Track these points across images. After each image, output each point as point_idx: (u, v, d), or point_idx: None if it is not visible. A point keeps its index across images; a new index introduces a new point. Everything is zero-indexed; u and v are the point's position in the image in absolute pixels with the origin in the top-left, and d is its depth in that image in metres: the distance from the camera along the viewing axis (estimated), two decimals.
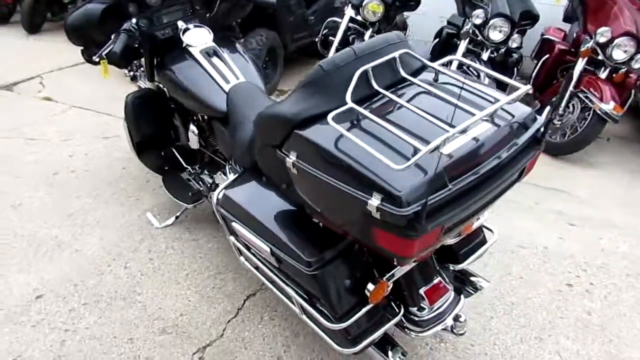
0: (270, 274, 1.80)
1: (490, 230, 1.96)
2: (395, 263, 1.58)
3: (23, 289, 2.19)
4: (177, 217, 2.68)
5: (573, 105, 3.76)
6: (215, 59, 2.27)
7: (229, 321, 2.12)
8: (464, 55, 4.01)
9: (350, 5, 4.14)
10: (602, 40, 3.55)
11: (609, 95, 3.45)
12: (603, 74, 3.62)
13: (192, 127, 2.43)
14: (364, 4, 4.02)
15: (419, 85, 1.47)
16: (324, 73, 1.44)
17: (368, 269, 1.64)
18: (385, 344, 1.77)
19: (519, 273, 2.51)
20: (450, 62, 1.68)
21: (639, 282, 2.49)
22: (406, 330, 1.76)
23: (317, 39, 4.62)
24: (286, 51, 4.68)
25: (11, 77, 4.32)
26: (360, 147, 1.24)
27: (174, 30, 2.33)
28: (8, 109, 3.85)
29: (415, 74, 1.54)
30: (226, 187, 1.89)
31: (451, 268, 1.90)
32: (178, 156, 2.66)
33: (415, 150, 1.19)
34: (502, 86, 3.25)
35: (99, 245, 2.49)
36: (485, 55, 4.05)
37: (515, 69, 4.20)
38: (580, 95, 3.65)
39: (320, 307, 1.62)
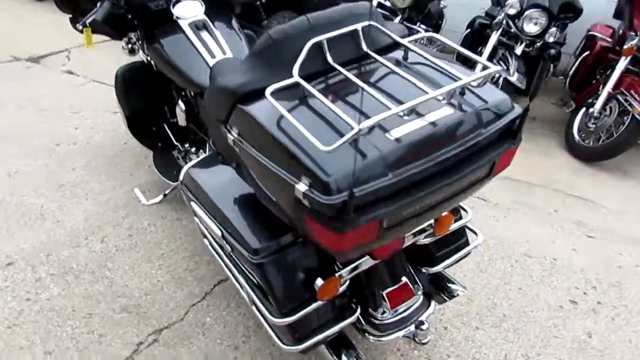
0: (226, 260, 1.69)
1: (474, 232, 1.76)
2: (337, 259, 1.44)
3: None
4: (165, 195, 2.61)
5: (611, 107, 3.43)
6: (204, 33, 2.16)
7: (193, 304, 2.03)
8: (495, 49, 3.75)
9: None
10: None
11: None
12: (519, 50, 3.47)
13: (180, 104, 2.35)
14: None
15: (381, 63, 1.31)
16: (272, 42, 1.31)
17: (322, 263, 1.49)
18: (341, 345, 1.63)
19: (519, 284, 2.29)
20: (424, 39, 1.50)
21: None
22: (365, 333, 1.61)
23: None
24: None
25: (40, 50, 4.41)
26: (295, 125, 1.10)
27: (167, 2, 2.25)
28: (29, 80, 3.92)
29: (382, 51, 1.38)
30: (192, 166, 1.79)
31: (424, 271, 1.73)
32: (169, 133, 2.59)
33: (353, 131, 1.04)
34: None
35: (82, 217, 2.45)
36: (518, 49, 3.74)
37: (552, 65, 3.89)
38: (620, 97, 3.33)
39: (268, 300, 1.50)
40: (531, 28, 3.62)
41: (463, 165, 1.20)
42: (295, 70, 1.22)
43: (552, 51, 3.76)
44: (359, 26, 1.33)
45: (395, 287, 1.58)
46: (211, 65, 2.06)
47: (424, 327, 1.57)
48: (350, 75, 1.23)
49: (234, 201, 1.58)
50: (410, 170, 1.11)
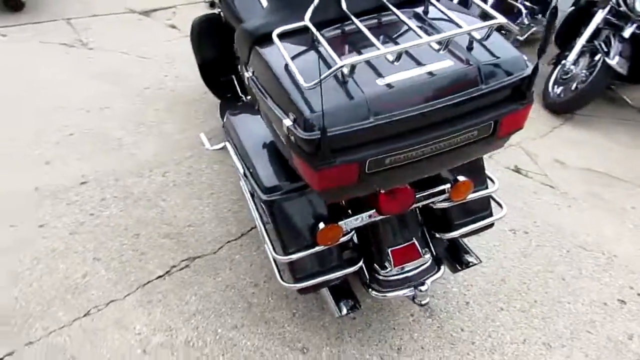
0: (251, 200, 1.79)
1: (499, 204, 1.69)
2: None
3: (75, 173, 2.49)
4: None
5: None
6: None
7: (228, 241, 2.18)
8: (599, 29, 3.43)
9: None
10: None
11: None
12: (627, 32, 3.21)
13: None
14: None
15: (396, 15, 1.30)
16: None
17: (330, 212, 1.53)
18: (343, 293, 1.68)
19: (563, 274, 2.14)
20: None
21: None
22: (369, 288, 1.63)
23: None
24: None
25: (151, 5, 4.80)
26: (289, 65, 1.15)
27: None
28: (138, 30, 4.30)
29: (403, 4, 1.36)
30: (232, 110, 1.91)
31: (439, 236, 1.69)
32: (236, 84, 2.74)
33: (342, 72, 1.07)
34: None
35: (152, 152, 2.70)
36: (627, 31, 3.37)
37: None
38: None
39: (277, 238, 1.58)
40: None
41: (456, 121, 1.17)
42: (307, 15, 1.26)
43: None
44: None
45: (402, 246, 1.58)
46: None
47: (423, 287, 1.55)
48: (358, 22, 1.24)
49: (258, 144, 1.66)
50: (393, 117, 1.11)
